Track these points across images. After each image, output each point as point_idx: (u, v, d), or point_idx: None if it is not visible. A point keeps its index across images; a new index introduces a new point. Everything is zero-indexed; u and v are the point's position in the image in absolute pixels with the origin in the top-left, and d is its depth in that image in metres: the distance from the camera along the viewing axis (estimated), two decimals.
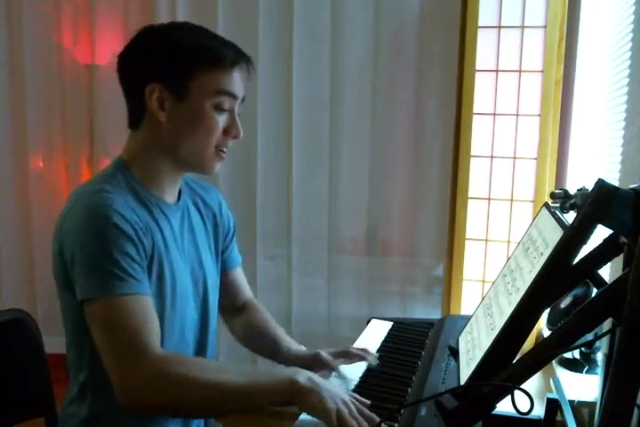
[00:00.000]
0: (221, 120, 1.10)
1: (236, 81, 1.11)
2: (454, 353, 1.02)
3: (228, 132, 1.12)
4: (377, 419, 0.96)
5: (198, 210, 1.25)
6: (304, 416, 1.00)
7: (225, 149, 1.13)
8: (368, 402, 1.02)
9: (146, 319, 0.99)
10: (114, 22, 2.59)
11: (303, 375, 0.97)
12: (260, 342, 1.34)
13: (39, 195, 2.74)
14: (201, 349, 1.20)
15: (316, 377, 0.98)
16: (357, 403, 0.98)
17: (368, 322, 1.53)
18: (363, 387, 1.16)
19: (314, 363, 1.23)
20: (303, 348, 1.31)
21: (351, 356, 1.26)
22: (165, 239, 1.10)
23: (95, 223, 1.00)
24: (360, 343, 1.39)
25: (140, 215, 1.06)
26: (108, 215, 1.00)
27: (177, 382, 0.94)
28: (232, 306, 1.36)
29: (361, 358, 1.25)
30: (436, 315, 2.32)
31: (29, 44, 2.65)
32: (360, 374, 1.21)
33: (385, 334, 1.44)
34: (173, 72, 1.06)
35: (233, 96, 1.11)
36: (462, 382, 0.82)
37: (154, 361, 0.95)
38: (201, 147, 1.10)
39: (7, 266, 2.77)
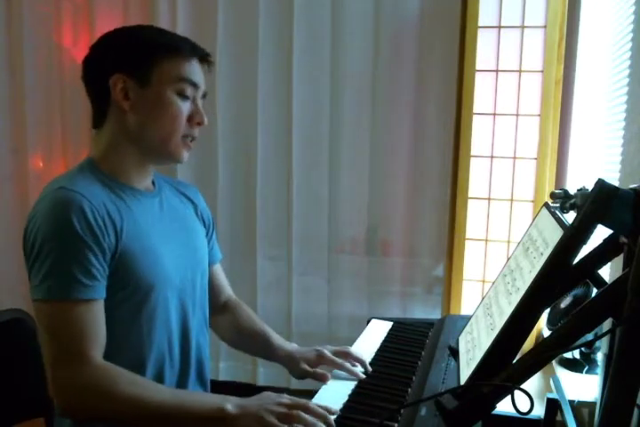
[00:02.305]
0: (185, 107, 1.13)
1: (196, 70, 1.15)
2: (454, 353, 1.02)
3: (191, 119, 1.14)
4: (311, 405, 0.98)
5: (179, 199, 1.27)
6: None
7: (191, 138, 1.16)
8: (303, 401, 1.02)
9: (88, 326, 1.00)
10: (114, 22, 2.58)
11: (231, 402, 0.97)
12: (252, 342, 1.34)
13: (39, 195, 2.74)
14: (185, 331, 1.20)
15: (240, 401, 0.99)
16: (284, 401, 0.99)
17: (368, 322, 1.54)
18: (363, 387, 1.16)
19: (318, 359, 1.24)
20: (295, 345, 1.32)
21: (351, 358, 1.25)
22: (141, 226, 1.11)
23: (51, 224, 1.02)
24: (360, 343, 1.39)
25: (107, 205, 1.07)
26: (66, 217, 1.01)
27: (105, 395, 0.97)
28: (213, 303, 1.34)
29: (359, 362, 1.24)
30: (436, 315, 2.32)
31: (29, 44, 2.64)
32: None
33: (385, 334, 1.44)
34: (135, 60, 1.10)
35: (193, 84, 1.14)
36: (462, 382, 0.82)
37: (87, 371, 0.98)
38: (167, 134, 1.12)
39: (6, 266, 2.77)
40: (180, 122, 1.13)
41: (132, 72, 1.10)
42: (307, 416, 0.96)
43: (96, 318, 1.02)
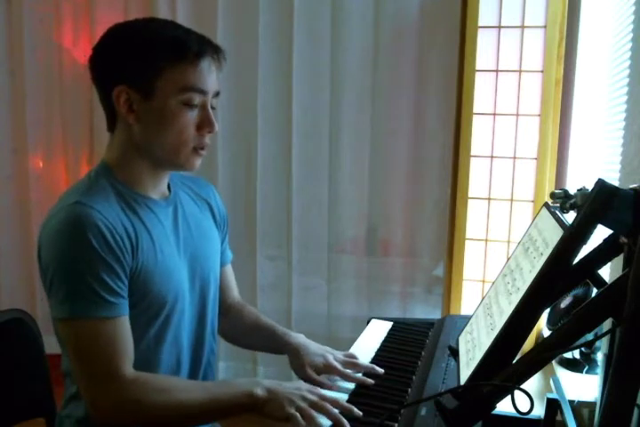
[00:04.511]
0: (192, 116, 1.06)
1: (204, 75, 1.06)
2: (454, 353, 1.02)
3: (201, 127, 1.08)
4: (340, 400, 1.03)
5: (194, 202, 1.24)
6: None
7: (202, 147, 1.10)
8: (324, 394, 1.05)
9: (116, 344, 1.00)
10: (114, 22, 2.58)
11: (260, 386, 1.01)
12: (256, 334, 1.31)
13: (39, 195, 2.74)
14: (197, 344, 1.19)
15: (271, 384, 1.02)
16: (317, 391, 1.03)
17: (368, 322, 1.53)
18: (363, 387, 1.16)
19: (325, 369, 1.20)
20: (302, 336, 1.28)
21: (360, 368, 1.21)
22: (154, 240, 1.08)
23: (70, 243, 0.99)
24: (360, 343, 1.38)
25: (123, 221, 1.04)
26: (83, 234, 0.98)
27: (142, 407, 0.99)
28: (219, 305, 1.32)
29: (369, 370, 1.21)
30: (436, 315, 2.32)
31: (29, 44, 2.65)
32: (361, 373, 1.21)
33: (385, 334, 1.44)
34: (138, 71, 1.04)
35: (201, 91, 1.06)
36: (462, 382, 0.82)
37: (120, 388, 0.98)
38: (175, 146, 1.07)
39: (7, 266, 2.77)
40: (188, 135, 1.07)
41: (135, 84, 1.04)
42: (334, 410, 0.99)
43: (123, 333, 1.01)
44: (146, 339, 1.09)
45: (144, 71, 1.04)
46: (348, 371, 1.19)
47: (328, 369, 1.19)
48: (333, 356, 1.22)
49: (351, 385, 1.16)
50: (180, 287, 1.12)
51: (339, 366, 1.19)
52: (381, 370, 1.20)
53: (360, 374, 1.19)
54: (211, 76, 1.08)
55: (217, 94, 1.11)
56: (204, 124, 1.08)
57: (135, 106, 1.05)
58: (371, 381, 1.15)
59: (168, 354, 1.12)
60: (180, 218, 1.18)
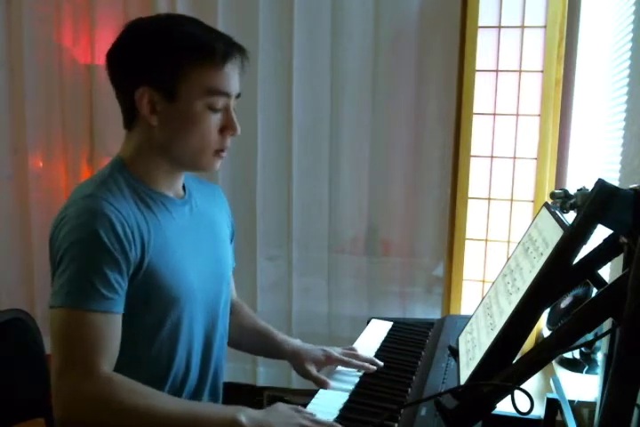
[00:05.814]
0: (215, 119, 1.06)
1: (229, 78, 1.06)
2: (454, 353, 1.02)
3: (224, 130, 1.08)
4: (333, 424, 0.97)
5: (209, 204, 1.24)
6: None
7: (224, 149, 1.10)
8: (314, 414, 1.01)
9: (99, 339, 0.96)
10: (114, 22, 2.59)
11: (245, 414, 0.94)
12: (255, 339, 1.32)
13: (39, 195, 2.74)
14: (208, 346, 1.18)
15: (256, 414, 0.96)
16: (308, 415, 0.98)
17: (368, 322, 1.54)
18: (363, 387, 1.16)
19: (326, 360, 1.23)
20: (299, 341, 1.30)
21: (360, 359, 1.24)
22: (167, 238, 1.07)
23: (79, 234, 0.98)
24: (360, 343, 1.39)
25: (136, 216, 1.03)
26: (93, 227, 0.97)
27: (109, 407, 0.93)
28: None
29: (368, 362, 1.24)
30: (435, 315, 2.32)
31: (29, 44, 2.64)
32: (360, 374, 1.21)
33: (385, 334, 1.44)
34: (163, 72, 1.03)
35: (226, 94, 1.07)
36: (462, 382, 0.82)
37: (91, 382, 0.93)
38: (198, 149, 1.06)
39: (6, 266, 2.77)
40: (212, 138, 1.06)
41: (159, 84, 1.03)
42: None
43: (110, 332, 0.97)
44: (158, 341, 1.08)
45: (169, 73, 1.02)
46: (348, 358, 1.21)
47: (329, 360, 1.20)
48: (333, 349, 1.25)
49: (350, 386, 1.16)
50: (191, 288, 1.10)
51: (338, 355, 1.21)
52: (381, 363, 1.21)
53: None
54: (235, 78, 1.08)
55: (238, 96, 1.11)
56: (228, 127, 1.08)
57: (158, 107, 1.04)
58: (373, 367, 1.17)
59: (179, 358, 1.11)
60: (196, 217, 1.16)
